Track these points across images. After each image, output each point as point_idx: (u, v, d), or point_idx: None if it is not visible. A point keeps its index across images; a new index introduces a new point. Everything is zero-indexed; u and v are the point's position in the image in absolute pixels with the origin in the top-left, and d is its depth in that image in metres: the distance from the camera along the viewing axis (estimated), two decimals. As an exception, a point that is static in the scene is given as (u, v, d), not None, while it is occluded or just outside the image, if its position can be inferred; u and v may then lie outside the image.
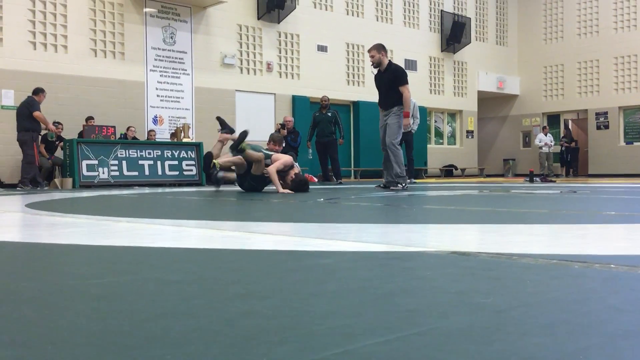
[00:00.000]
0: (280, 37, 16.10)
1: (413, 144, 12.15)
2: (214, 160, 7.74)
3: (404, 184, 7.97)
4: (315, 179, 14.17)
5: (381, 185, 8.28)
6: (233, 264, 1.86)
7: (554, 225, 3.03)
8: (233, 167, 7.89)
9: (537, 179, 12.43)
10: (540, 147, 19.53)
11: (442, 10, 20.11)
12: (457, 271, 1.64)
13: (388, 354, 0.90)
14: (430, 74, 19.95)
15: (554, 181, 12.52)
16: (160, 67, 14.02)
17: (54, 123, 11.73)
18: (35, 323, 1.13)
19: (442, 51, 20.14)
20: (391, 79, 7.85)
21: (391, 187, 8.00)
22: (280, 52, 16.11)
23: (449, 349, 0.92)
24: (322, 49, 16.93)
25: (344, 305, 1.24)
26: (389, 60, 8.06)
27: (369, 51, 8.01)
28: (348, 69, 17.63)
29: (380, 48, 7.93)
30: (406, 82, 7.87)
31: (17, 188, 10.63)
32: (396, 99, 7.86)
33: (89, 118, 12.27)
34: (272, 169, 7.35)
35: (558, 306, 1.21)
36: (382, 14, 18.48)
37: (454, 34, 19.84)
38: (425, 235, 2.62)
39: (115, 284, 1.51)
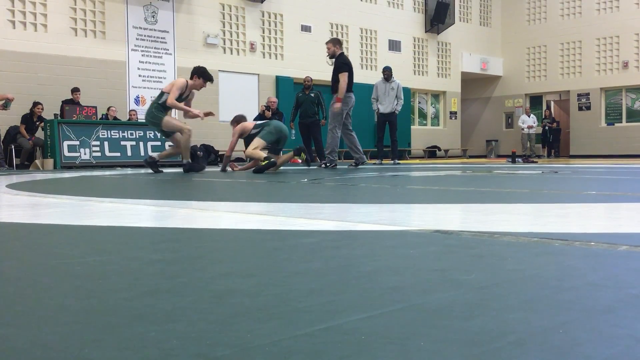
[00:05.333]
0: (263, 16, 15.97)
1: (397, 125, 12.14)
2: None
3: (327, 164, 9.16)
4: (299, 160, 14.16)
5: (352, 165, 9.40)
6: (217, 244, 1.86)
7: (536, 204, 3.06)
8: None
9: (519, 159, 12.52)
10: (523, 129, 19.66)
11: (426, -9, 20.06)
12: (440, 249, 1.65)
13: (371, 329, 0.91)
14: (414, 54, 19.92)
15: (536, 162, 12.62)
16: (142, 47, 13.87)
17: (35, 103, 11.58)
18: (18, 302, 1.13)
19: (426, 32, 20.11)
20: (335, 68, 9.06)
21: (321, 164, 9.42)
22: (263, 32, 15.99)
23: (432, 324, 0.93)
24: (305, 29, 16.83)
25: (328, 283, 1.24)
26: (341, 53, 9.18)
27: (326, 43, 9.37)
28: (332, 50, 17.55)
29: (335, 43, 9.16)
30: (344, 70, 8.96)
31: None
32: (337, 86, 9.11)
33: (75, 90, 12.04)
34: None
35: (539, 282, 1.23)
36: (366, -7, 18.38)
37: (438, 14, 19.80)
38: (409, 215, 2.64)
39: (99, 263, 1.50)
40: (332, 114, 9.12)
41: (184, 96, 7.79)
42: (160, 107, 7.66)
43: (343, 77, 8.94)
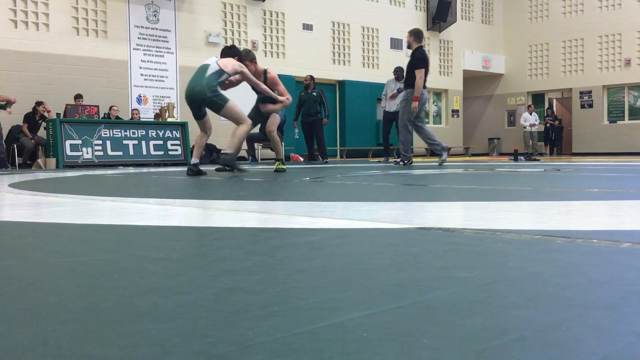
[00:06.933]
0: (265, 15, 15.97)
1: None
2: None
3: (403, 162, 8.99)
4: (301, 159, 14.17)
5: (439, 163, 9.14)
6: (219, 242, 1.86)
7: (538, 202, 3.05)
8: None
9: (522, 157, 12.50)
10: (525, 127, 19.64)
11: (427, -11, 20.04)
12: (442, 247, 1.65)
13: (373, 326, 0.91)
14: (416, 52, 19.89)
15: (538, 160, 12.61)
16: (144, 46, 13.87)
17: (37, 102, 11.59)
18: (20, 300, 1.13)
19: (427, 30, 20.09)
20: (410, 63, 8.81)
21: (394, 163, 9.36)
22: (265, 31, 15.99)
23: (433, 322, 0.93)
24: (307, 27, 16.82)
25: (330, 280, 1.24)
26: (418, 47, 8.82)
27: (408, 32, 9.06)
28: (334, 48, 17.55)
29: (412, 34, 8.90)
30: (420, 67, 8.60)
31: None
32: (413, 82, 8.73)
33: (78, 96, 12.09)
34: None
35: (541, 280, 1.23)
36: (367, -8, 18.37)
37: (440, 12, 19.78)
38: (411, 212, 2.64)
39: (101, 262, 1.50)
40: (402, 110, 8.84)
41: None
42: (220, 88, 6.53)
43: (419, 74, 8.58)
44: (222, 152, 6.29)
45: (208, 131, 6.86)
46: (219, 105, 6.49)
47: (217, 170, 7.39)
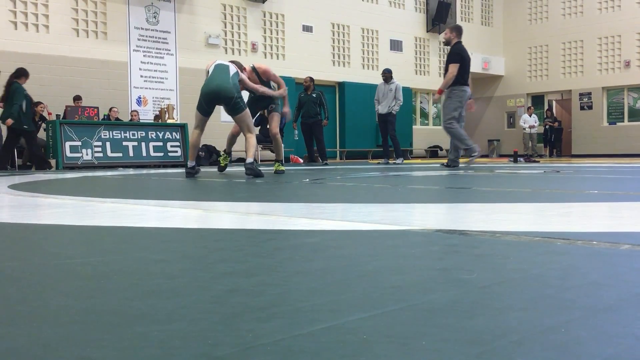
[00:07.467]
0: (265, 17, 15.97)
1: (394, 124, 12.15)
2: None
3: (474, 155, 8.48)
4: (301, 160, 14.17)
5: (444, 165, 8.80)
6: (218, 243, 1.86)
7: (538, 203, 3.05)
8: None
9: (521, 159, 12.50)
10: (524, 128, 19.65)
11: (427, -10, 20.06)
12: (442, 249, 1.65)
13: (373, 328, 0.91)
14: (416, 54, 19.91)
15: (538, 161, 12.61)
16: (144, 47, 13.88)
17: (36, 103, 11.59)
18: (20, 302, 1.13)
19: (427, 31, 20.11)
20: (447, 58, 8.58)
21: (465, 161, 8.89)
22: (265, 32, 16.00)
23: (433, 324, 0.93)
24: (307, 29, 16.83)
25: (330, 282, 1.24)
26: (456, 42, 8.56)
27: (448, 28, 8.83)
28: (333, 50, 17.55)
29: (452, 29, 8.67)
30: (454, 61, 8.36)
31: None
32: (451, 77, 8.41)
33: (77, 98, 12.09)
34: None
35: (541, 282, 1.23)
36: (367, -7, 18.38)
37: (440, 14, 19.80)
38: (411, 214, 2.64)
39: (101, 263, 1.50)
40: (444, 109, 8.52)
41: None
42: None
43: (452, 68, 8.34)
44: (246, 164, 6.37)
45: (204, 129, 6.93)
46: (240, 109, 6.53)
47: (219, 171, 7.62)
